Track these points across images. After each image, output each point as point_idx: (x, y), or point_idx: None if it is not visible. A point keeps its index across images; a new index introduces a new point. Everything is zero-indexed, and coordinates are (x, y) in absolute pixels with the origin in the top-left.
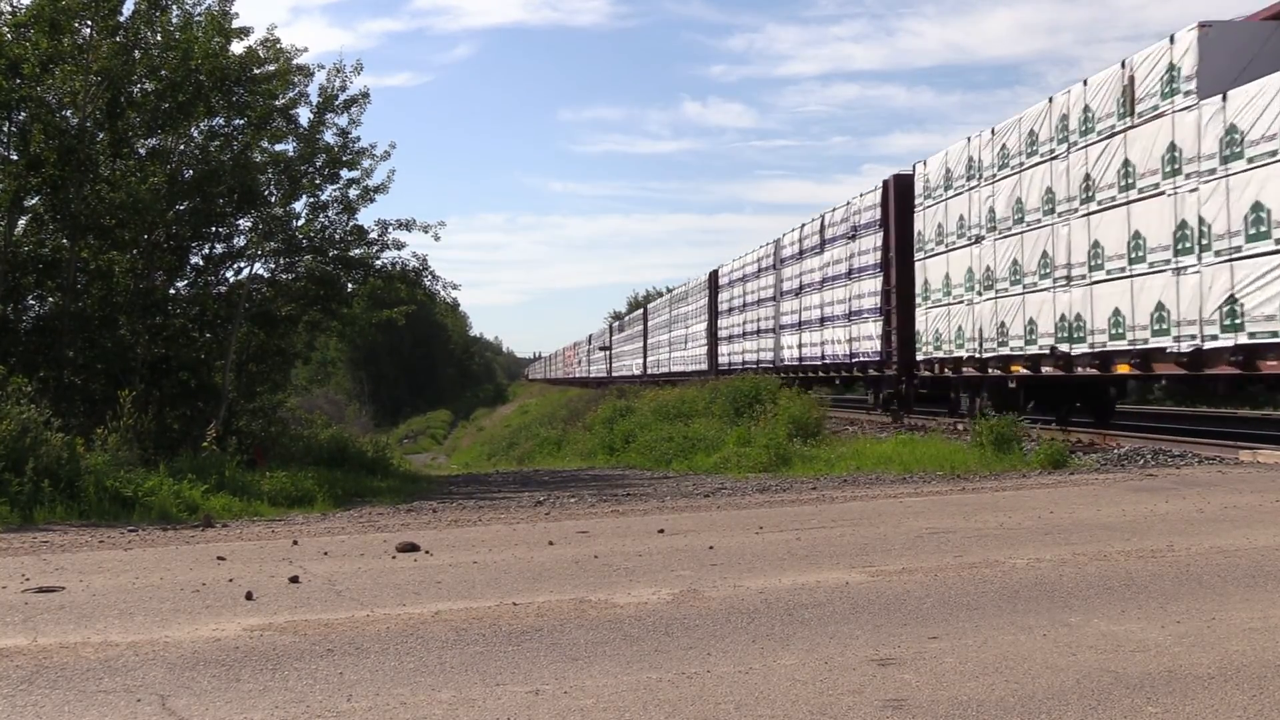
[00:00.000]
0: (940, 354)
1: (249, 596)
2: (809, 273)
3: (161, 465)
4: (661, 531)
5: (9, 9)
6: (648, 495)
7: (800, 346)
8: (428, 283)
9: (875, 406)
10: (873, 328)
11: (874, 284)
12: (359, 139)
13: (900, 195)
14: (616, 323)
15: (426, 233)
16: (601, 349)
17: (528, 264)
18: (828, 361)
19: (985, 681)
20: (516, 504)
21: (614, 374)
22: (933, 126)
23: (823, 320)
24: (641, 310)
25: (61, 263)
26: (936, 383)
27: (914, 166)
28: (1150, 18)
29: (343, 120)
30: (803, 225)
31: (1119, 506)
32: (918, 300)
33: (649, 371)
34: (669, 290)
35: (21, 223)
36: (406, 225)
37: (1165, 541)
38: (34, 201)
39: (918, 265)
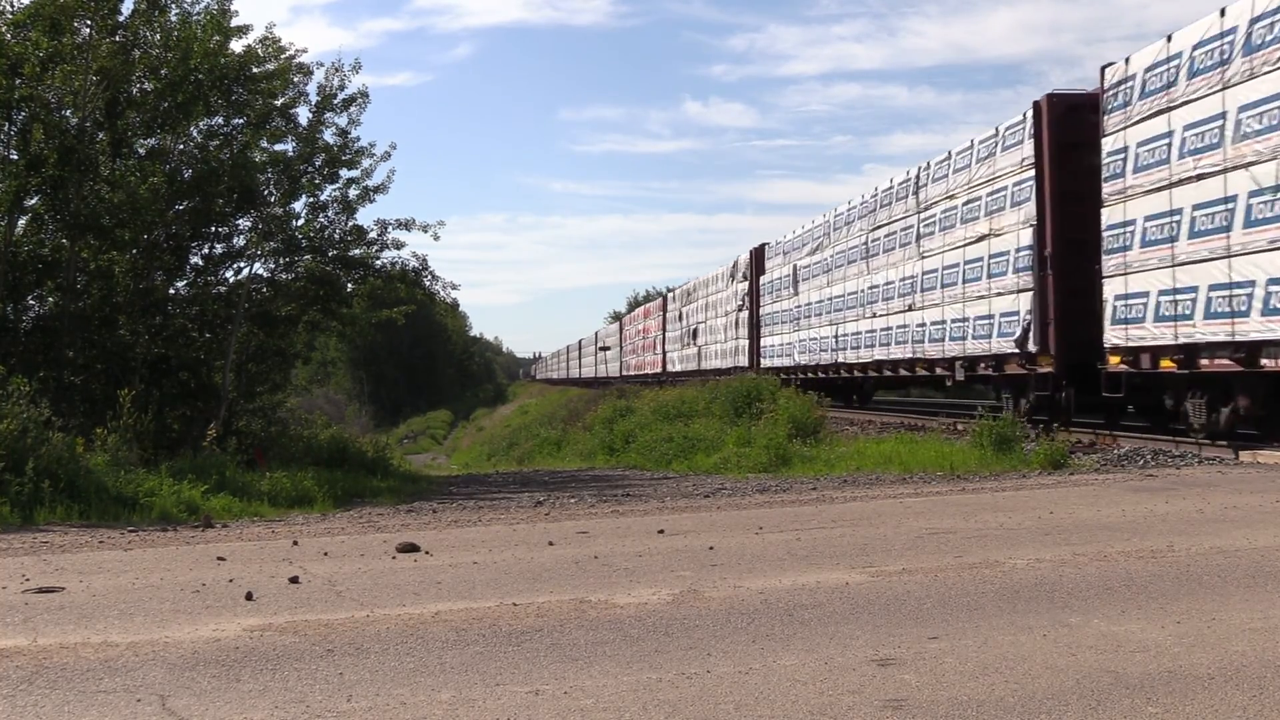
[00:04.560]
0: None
1: (249, 597)
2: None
3: (161, 465)
4: (661, 532)
5: (9, 8)
6: (648, 495)
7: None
8: (427, 283)
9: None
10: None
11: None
12: (358, 138)
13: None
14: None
15: (426, 232)
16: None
17: (528, 264)
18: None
19: (985, 681)
20: (516, 504)
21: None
22: (934, 126)
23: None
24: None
25: (61, 263)
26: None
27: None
28: (1153, 16)
29: (342, 120)
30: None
31: (1119, 507)
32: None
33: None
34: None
35: (21, 223)
36: (406, 225)
37: (1165, 542)
38: (34, 201)
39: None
